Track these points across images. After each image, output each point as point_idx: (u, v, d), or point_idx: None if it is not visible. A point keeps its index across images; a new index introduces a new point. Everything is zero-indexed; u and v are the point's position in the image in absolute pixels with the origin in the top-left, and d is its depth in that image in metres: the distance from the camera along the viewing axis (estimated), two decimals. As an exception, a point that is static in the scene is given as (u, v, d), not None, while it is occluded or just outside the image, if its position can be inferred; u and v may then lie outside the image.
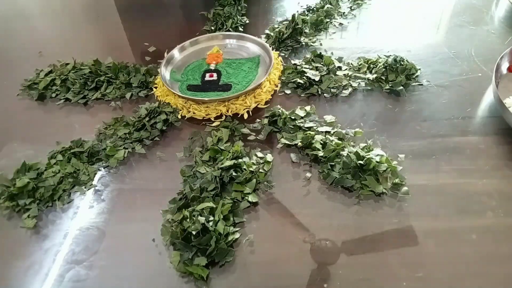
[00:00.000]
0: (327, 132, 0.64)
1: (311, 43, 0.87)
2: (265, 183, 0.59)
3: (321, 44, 0.87)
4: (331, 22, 0.94)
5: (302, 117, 0.66)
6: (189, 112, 0.73)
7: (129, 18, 1.06)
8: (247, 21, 0.99)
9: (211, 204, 0.52)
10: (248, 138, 0.66)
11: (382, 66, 0.75)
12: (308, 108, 0.67)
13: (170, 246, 0.52)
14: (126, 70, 0.82)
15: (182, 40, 0.86)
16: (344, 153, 0.58)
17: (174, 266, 0.49)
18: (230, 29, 0.93)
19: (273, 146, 0.64)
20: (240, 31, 0.94)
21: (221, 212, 0.52)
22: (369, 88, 0.74)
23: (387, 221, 0.52)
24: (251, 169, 0.58)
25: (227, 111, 0.72)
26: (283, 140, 0.63)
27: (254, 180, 0.57)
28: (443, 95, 0.71)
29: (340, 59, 0.80)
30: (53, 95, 0.80)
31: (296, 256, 0.50)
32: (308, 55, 0.81)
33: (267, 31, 0.93)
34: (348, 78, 0.76)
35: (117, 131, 0.69)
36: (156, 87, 0.80)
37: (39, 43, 0.98)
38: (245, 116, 0.71)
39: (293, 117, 0.66)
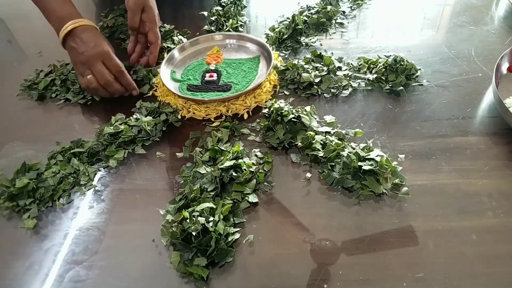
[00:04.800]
0: (327, 132, 0.64)
1: (311, 43, 0.88)
2: (265, 183, 0.59)
3: (321, 44, 0.87)
4: (331, 23, 0.94)
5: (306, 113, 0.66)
6: (189, 112, 0.73)
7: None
8: (247, 21, 0.99)
9: (211, 205, 0.52)
10: (248, 138, 0.67)
11: (382, 66, 0.75)
12: (308, 108, 0.67)
13: (170, 246, 0.52)
14: (128, 70, 0.82)
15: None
16: (344, 153, 0.58)
17: (174, 267, 0.49)
18: (230, 29, 0.93)
19: (273, 146, 0.64)
20: (240, 31, 0.94)
21: (221, 213, 0.52)
22: (369, 88, 0.74)
23: (387, 221, 0.52)
24: (251, 169, 0.58)
25: (227, 111, 0.72)
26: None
27: (254, 181, 0.57)
28: (443, 95, 0.71)
29: (340, 59, 0.80)
30: (53, 95, 0.81)
31: (296, 256, 0.50)
32: (308, 55, 0.81)
33: (267, 31, 0.93)
34: (348, 78, 0.76)
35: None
36: (156, 87, 0.80)
37: (39, 43, 0.98)
38: (245, 116, 0.71)
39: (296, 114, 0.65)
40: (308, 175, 0.59)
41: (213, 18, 0.97)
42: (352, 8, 1.00)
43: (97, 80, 0.71)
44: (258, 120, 0.70)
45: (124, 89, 0.75)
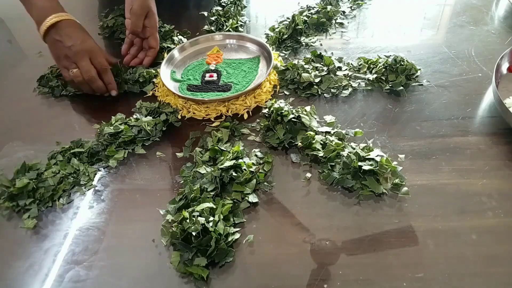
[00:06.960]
0: (327, 132, 0.64)
1: (311, 43, 0.88)
2: (265, 183, 0.59)
3: (321, 44, 0.87)
4: (331, 23, 0.94)
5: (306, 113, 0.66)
6: (189, 112, 0.73)
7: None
8: (247, 21, 0.99)
9: (211, 205, 0.52)
10: (248, 138, 0.67)
11: (382, 66, 0.75)
12: (308, 108, 0.67)
13: (170, 246, 0.52)
14: (126, 70, 0.82)
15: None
16: (344, 153, 0.58)
17: (174, 267, 0.49)
18: (230, 29, 0.93)
19: (273, 146, 0.64)
20: (240, 31, 0.94)
21: (221, 213, 0.52)
22: (369, 88, 0.74)
23: (387, 221, 0.52)
24: (251, 169, 0.58)
25: (227, 111, 0.72)
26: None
27: (254, 181, 0.57)
28: (443, 95, 0.71)
29: (340, 59, 0.80)
30: (54, 95, 0.81)
31: (296, 256, 0.50)
32: (308, 55, 0.81)
33: (267, 31, 0.93)
34: (348, 78, 0.76)
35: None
36: (156, 87, 0.80)
37: (39, 43, 0.97)
38: (245, 116, 0.71)
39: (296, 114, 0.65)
40: (308, 175, 0.59)
41: (213, 18, 0.97)
42: (352, 8, 1.00)
43: (81, 75, 0.73)
44: (258, 120, 0.70)
45: (105, 88, 0.76)
